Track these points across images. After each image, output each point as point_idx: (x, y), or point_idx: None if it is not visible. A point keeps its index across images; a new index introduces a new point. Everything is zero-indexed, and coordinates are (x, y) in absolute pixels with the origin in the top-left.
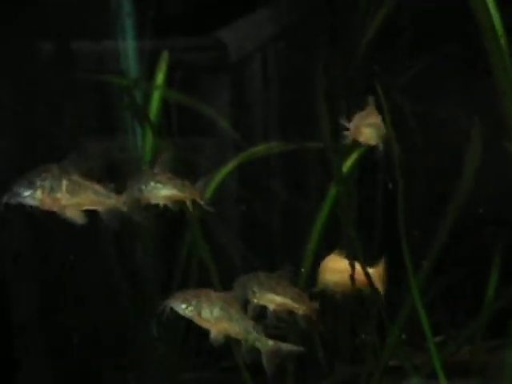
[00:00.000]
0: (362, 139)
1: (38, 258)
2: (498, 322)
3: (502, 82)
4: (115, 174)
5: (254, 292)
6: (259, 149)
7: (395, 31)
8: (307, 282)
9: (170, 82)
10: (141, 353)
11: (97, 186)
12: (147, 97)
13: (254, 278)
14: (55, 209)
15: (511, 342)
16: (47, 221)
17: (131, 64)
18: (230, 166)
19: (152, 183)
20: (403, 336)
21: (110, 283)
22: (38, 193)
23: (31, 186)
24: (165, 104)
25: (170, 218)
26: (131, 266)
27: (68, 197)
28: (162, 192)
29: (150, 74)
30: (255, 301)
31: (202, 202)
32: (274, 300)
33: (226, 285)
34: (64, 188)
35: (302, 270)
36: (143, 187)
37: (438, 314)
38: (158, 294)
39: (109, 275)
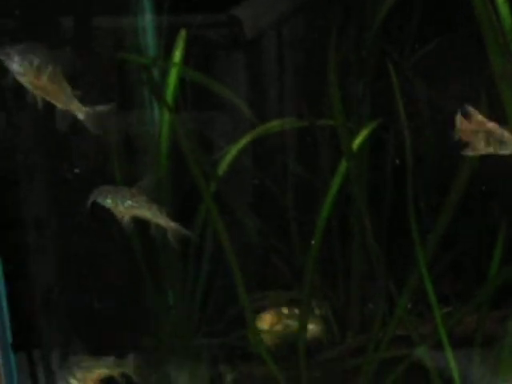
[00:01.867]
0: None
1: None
2: (504, 294)
3: (498, 66)
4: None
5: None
6: (272, 125)
7: (407, 11)
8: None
9: (186, 58)
10: (156, 319)
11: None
12: (165, 73)
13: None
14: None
15: None
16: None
17: (149, 41)
18: (243, 141)
19: (129, 202)
20: (410, 306)
21: (127, 250)
22: None
23: None
24: (181, 80)
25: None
26: (148, 233)
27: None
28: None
29: (167, 51)
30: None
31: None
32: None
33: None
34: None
35: (313, 242)
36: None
37: (445, 287)
38: (175, 262)
39: (126, 243)
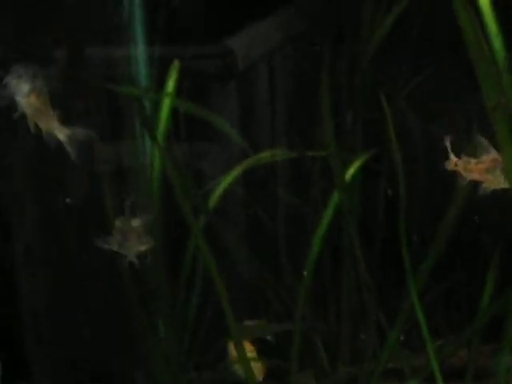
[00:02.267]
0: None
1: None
2: (495, 327)
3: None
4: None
5: None
6: (263, 155)
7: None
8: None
9: (179, 89)
10: (148, 352)
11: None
12: (157, 104)
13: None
14: None
15: (504, 347)
16: None
17: (141, 71)
18: (234, 172)
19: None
20: (402, 338)
21: (116, 283)
22: None
23: None
24: (174, 110)
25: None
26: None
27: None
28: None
29: (160, 82)
30: None
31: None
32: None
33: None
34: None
35: (305, 273)
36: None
37: (437, 318)
38: (165, 293)
39: (115, 274)
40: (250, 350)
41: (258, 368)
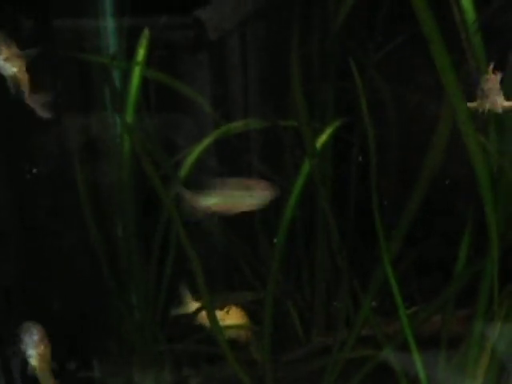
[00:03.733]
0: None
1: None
2: (470, 293)
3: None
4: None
5: None
6: (235, 125)
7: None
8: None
9: (149, 60)
10: (119, 322)
11: None
12: (127, 74)
13: None
14: None
15: (478, 313)
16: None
17: (111, 41)
18: (205, 142)
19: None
20: (375, 305)
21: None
22: None
23: None
24: (144, 81)
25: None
26: (113, 234)
27: None
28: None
29: (129, 52)
30: None
31: None
32: None
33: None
34: None
35: (275, 240)
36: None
37: (411, 285)
38: (138, 263)
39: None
40: (240, 316)
41: (242, 334)
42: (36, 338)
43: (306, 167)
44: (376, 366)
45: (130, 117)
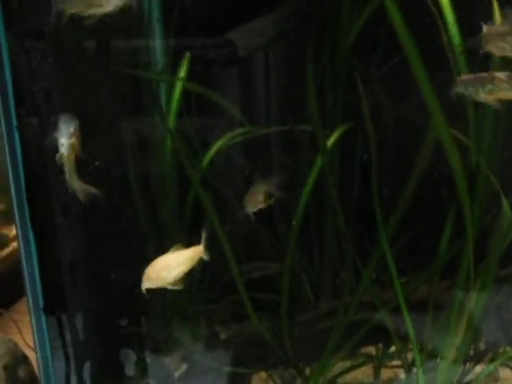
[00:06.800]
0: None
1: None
2: (452, 266)
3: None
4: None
5: None
6: (254, 129)
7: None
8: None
9: (190, 74)
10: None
11: None
12: (171, 87)
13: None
14: None
15: (458, 282)
16: None
17: (158, 60)
18: (224, 139)
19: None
20: (373, 276)
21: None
22: None
23: None
24: (186, 93)
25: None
26: (153, 206)
27: None
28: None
29: (173, 69)
30: None
31: None
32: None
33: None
34: None
35: (294, 222)
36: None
37: (404, 260)
38: (175, 234)
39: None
40: (199, 252)
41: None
42: (72, 129)
43: (318, 162)
44: (373, 326)
45: (172, 122)
